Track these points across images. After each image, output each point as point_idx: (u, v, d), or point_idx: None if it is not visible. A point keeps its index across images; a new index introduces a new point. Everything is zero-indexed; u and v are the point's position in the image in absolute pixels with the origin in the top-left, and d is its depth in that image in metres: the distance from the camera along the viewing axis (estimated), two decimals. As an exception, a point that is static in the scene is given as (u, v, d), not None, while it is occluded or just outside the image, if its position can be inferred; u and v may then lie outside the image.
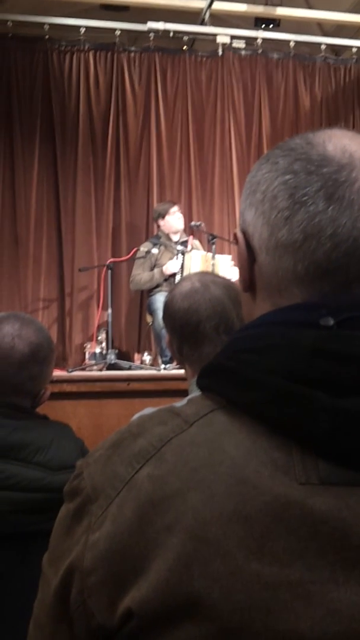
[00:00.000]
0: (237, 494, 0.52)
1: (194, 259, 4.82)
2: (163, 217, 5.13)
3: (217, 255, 4.81)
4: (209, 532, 0.51)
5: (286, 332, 0.57)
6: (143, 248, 5.12)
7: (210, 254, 4.75)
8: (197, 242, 5.22)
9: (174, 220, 5.11)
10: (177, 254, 4.91)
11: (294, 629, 0.49)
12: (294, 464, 0.53)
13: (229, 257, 4.88)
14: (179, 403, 0.62)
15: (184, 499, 0.52)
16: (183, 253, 4.86)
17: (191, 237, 5.12)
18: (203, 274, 1.55)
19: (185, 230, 5.26)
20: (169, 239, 5.14)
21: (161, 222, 5.18)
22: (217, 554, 0.50)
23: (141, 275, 5.06)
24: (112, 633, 0.53)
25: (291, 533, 0.50)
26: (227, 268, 4.63)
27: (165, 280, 4.95)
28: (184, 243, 5.08)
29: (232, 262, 4.79)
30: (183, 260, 4.84)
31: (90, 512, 0.56)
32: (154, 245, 5.09)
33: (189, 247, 4.99)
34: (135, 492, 0.54)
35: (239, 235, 0.66)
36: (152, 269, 5.05)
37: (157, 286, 5.00)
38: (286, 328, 0.57)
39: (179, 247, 4.97)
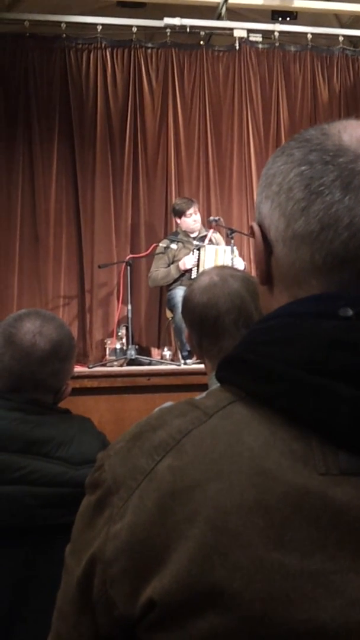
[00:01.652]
0: (257, 484, 0.52)
1: (208, 253, 4.82)
2: (180, 217, 5.15)
3: (222, 247, 4.80)
4: (229, 523, 0.51)
5: (304, 324, 0.56)
6: (162, 244, 5.14)
7: (228, 248, 4.74)
8: (217, 236, 5.20)
9: (189, 222, 5.13)
10: (192, 249, 4.92)
11: (314, 618, 0.49)
12: (314, 455, 0.53)
13: (227, 247, 4.83)
14: (199, 396, 0.62)
15: (204, 489, 0.53)
16: (199, 248, 4.87)
17: (211, 230, 5.11)
18: (221, 267, 1.55)
19: (203, 224, 5.25)
20: (187, 235, 5.15)
21: (178, 220, 5.20)
22: (237, 544, 0.50)
23: (158, 271, 5.09)
24: (134, 623, 0.54)
25: (311, 523, 0.50)
26: (228, 259, 4.63)
27: (183, 275, 4.95)
28: (202, 238, 5.08)
29: (236, 253, 4.77)
30: (199, 255, 4.85)
31: (112, 504, 0.57)
32: (172, 242, 5.10)
33: (206, 241, 4.99)
34: (155, 483, 0.55)
35: (255, 228, 0.66)
36: (169, 265, 5.07)
37: (176, 281, 5.01)
38: (304, 319, 0.57)
39: (196, 243, 4.98)
